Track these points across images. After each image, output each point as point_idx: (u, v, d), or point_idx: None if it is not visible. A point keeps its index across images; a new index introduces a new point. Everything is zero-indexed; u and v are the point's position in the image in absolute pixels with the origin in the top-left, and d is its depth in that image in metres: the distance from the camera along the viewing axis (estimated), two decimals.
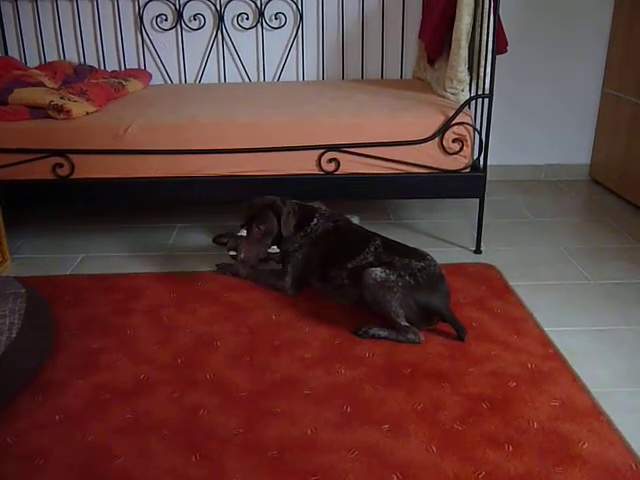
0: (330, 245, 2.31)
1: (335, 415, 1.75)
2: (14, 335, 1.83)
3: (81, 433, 1.69)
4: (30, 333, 1.89)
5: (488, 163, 2.68)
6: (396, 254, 2.13)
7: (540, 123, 3.66)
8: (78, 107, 2.67)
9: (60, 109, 2.62)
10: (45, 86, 2.90)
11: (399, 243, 2.25)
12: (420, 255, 2.15)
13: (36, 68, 3.24)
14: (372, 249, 2.17)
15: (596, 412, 1.76)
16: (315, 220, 2.36)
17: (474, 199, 2.72)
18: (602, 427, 1.70)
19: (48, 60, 3.44)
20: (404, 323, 2.03)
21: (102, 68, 3.47)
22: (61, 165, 2.60)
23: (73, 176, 2.62)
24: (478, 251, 2.76)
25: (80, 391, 1.85)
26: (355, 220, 2.69)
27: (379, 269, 2.05)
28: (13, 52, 3.45)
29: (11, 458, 1.61)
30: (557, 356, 2.01)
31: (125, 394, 1.84)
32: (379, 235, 2.28)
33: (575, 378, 1.91)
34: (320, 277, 2.31)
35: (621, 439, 1.66)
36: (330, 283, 2.27)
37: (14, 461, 1.60)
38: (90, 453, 1.62)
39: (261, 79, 3.55)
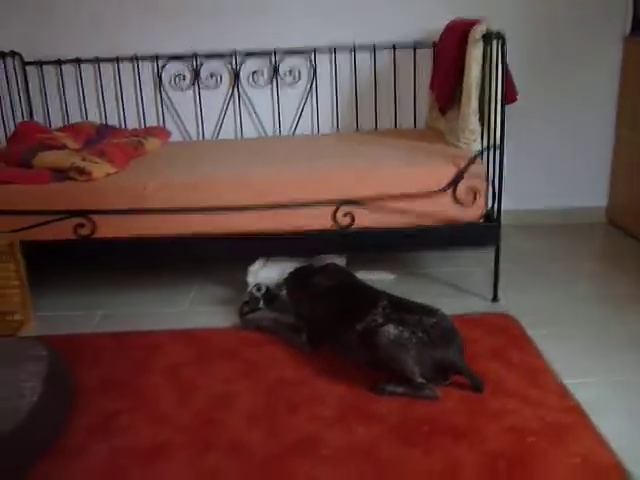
0: (334, 305, 2.34)
1: (355, 476, 1.74)
2: (35, 399, 1.87)
3: None
4: (51, 396, 1.92)
5: (503, 208, 2.69)
6: (406, 312, 2.14)
7: (555, 167, 3.67)
8: (99, 169, 2.75)
9: (82, 171, 2.71)
10: (68, 148, 3.00)
11: (407, 300, 2.27)
12: (430, 311, 2.16)
13: (60, 130, 3.35)
14: (380, 310, 2.17)
15: (619, 469, 1.73)
16: (316, 279, 2.44)
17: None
18: None
19: (72, 121, 3.56)
20: (420, 380, 2.03)
21: (123, 126, 3.58)
22: (82, 225, 2.67)
23: (95, 235, 2.69)
24: (495, 300, 2.76)
25: (100, 454, 1.87)
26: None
27: (392, 326, 2.06)
28: (38, 114, 3.58)
29: None
30: (576, 409, 1.99)
31: (144, 457, 1.85)
32: (386, 293, 2.30)
33: (596, 432, 1.88)
34: (331, 337, 2.33)
35: None
36: (340, 344, 2.28)
37: None
38: None
39: (277, 133, 3.62)
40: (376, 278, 2.82)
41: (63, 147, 2.98)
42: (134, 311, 2.82)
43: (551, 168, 3.67)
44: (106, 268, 3.25)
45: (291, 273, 2.61)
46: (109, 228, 2.68)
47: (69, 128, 3.36)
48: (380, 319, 2.13)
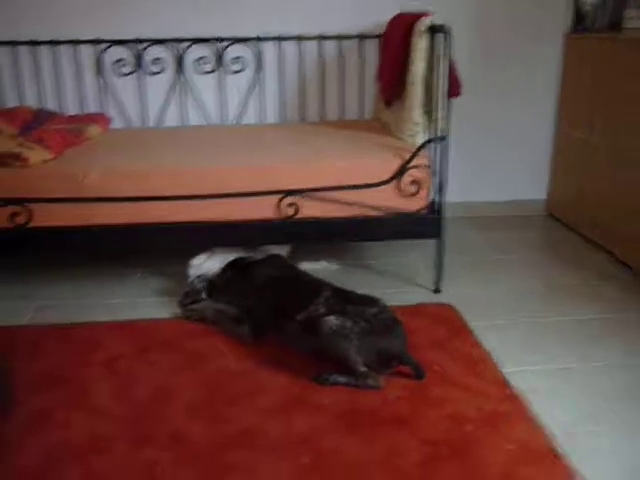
0: (277, 295, 2.34)
1: (295, 467, 1.74)
2: None
3: None
4: None
5: (447, 200, 2.72)
6: (348, 302, 2.15)
7: (498, 160, 3.75)
8: (36, 155, 2.65)
9: (17, 157, 2.61)
10: (3, 133, 2.89)
11: (350, 291, 2.28)
12: (372, 301, 2.19)
13: None
14: (323, 300, 2.18)
15: (553, 455, 1.77)
16: (259, 269, 2.45)
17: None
18: (560, 470, 1.72)
19: (7, 105, 3.43)
20: (363, 369, 2.04)
21: (62, 112, 3.46)
22: (18, 214, 2.57)
23: (30, 224, 2.59)
24: (437, 291, 2.79)
25: (34, 450, 1.81)
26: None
27: (334, 317, 2.07)
28: None
29: None
30: (515, 397, 2.03)
31: (80, 452, 1.80)
32: (329, 284, 2.32)
33: (533, 420, 1.92)
34: (274, 328, 2.32)
35: None
36: (283, 334, 2.27)
37: None
38: None
39: (223, 121, 3.58)
40: (320, 268, 2.82)
41: None
42: (73, 302, 2.74)
43: (495, 161, 3.74)
44: (44, 258, 3.15)
45: (229, 264, 2.60)
46: (46, 217, 2.59)
47: (5, 113, 3.23)
48: (323, 309, 2.14)
